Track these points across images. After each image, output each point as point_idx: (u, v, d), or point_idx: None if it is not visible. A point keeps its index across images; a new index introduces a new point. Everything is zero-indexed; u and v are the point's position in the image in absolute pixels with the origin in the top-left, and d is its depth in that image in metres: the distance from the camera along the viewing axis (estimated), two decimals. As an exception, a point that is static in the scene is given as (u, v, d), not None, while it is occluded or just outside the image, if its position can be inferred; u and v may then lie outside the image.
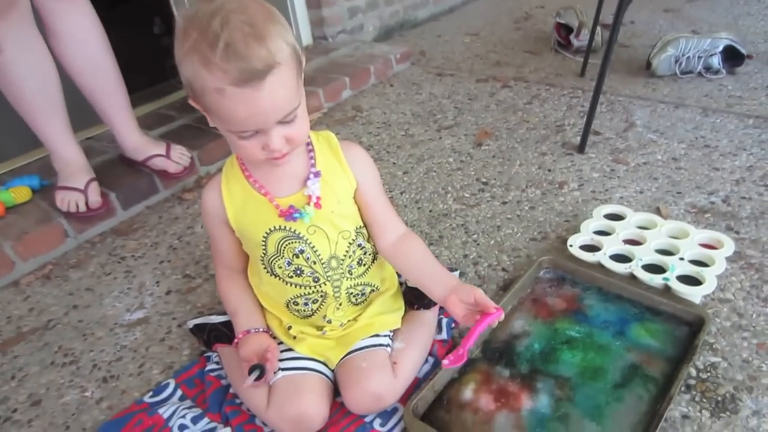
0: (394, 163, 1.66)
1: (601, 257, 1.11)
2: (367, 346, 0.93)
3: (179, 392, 0.99)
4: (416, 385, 0.94)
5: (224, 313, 1.04)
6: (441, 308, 1.05)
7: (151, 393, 1.00)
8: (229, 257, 0.98)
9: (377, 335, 0.94)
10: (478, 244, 1.27)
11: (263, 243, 0.89)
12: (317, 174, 0.87)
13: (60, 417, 1.00)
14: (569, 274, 1.12)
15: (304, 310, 0.94)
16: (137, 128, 1.58)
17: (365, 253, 0.95)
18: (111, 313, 1.23)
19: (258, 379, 0.87)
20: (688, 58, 1.89)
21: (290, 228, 0.87)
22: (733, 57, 1.89)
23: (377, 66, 2.22)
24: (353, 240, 0.92)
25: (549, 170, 1.52)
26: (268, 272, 0.92)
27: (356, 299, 0.96)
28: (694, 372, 0.91)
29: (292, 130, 0.77)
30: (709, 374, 0.90)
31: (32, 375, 1.09)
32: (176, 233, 1.47)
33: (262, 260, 0.91)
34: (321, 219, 0.87)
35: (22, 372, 1.11)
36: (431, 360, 0.98)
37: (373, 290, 0.99)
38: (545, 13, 2.82)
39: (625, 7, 1.45)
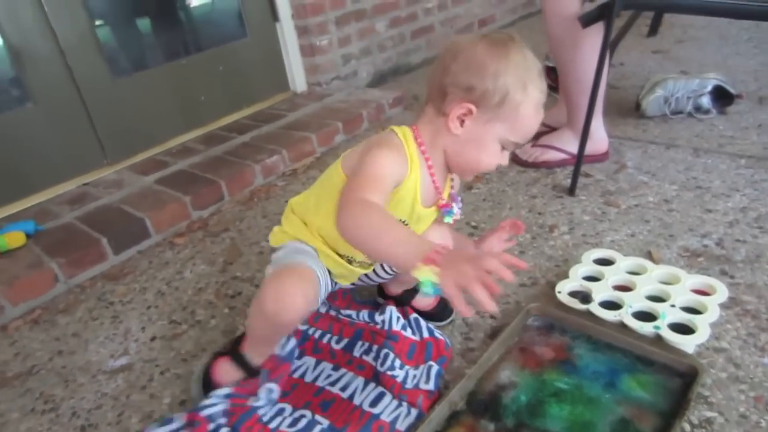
0: (386, 206, 1.65)
1: (590, 305, 1.09)
2: None
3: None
4: (400, 438, 0.91)
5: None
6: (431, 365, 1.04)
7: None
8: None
9: None
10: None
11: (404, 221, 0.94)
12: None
13: (35, 470, 0.97)
14: (558, 322, 1.10)
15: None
16: None
17: None
18: (95, 359, 1.21)
19: None
20: (678, 98, 1.89)
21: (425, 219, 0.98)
22: (722, 97, 1.90)
23: (370, 111, 2.24)
24: None
25: (539, 213, 1.51)
26: None
27: None
28: (688, 427, 0.87)
29: None
30: (704, 430, 0.87)
31: (12, 422, 1.08)
32: (165, 278, 1.46)
33: None
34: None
35: (3, 418, 1.09)
36: (414, 412, 0.96)
37: None
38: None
39: (605, 53, 1.46)
